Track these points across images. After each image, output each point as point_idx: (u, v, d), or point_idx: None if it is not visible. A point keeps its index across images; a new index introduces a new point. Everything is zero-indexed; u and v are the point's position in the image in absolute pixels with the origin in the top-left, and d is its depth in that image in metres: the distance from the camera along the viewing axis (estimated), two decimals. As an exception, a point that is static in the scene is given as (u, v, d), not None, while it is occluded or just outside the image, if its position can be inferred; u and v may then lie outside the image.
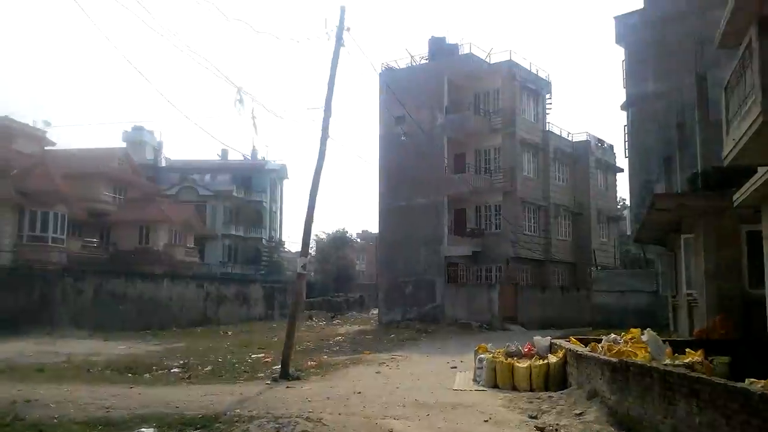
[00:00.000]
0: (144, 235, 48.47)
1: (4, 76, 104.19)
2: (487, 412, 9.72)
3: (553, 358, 12.03)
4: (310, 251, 79.30)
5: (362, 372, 14.92)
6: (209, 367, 16.13)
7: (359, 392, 11.57)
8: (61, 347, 21.70)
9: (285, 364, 13.49)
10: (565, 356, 11.81)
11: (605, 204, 41.77)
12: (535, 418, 9.26)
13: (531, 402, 10.50)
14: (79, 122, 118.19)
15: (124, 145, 60.06)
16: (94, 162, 48.00)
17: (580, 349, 11.47)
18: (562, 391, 11.12)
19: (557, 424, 8.67)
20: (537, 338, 13.64)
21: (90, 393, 11.00)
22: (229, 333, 31.79)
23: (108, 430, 8.22)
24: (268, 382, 13.00)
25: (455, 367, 15.69)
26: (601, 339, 11.87)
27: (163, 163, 67.40)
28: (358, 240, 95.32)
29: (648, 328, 11.06)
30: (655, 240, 20.91)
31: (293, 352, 14.51)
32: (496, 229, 34.58)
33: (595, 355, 10.23)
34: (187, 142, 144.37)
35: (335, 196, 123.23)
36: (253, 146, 68.50)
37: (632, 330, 11.49)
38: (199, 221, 53.92)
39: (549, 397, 10.69)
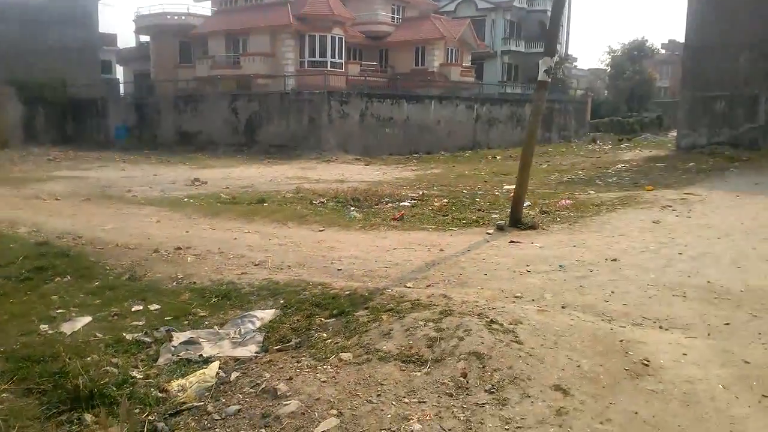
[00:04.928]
0: (419, 55, 47.03)
1: None
2: None
3: None
4: (603, 65, 70.22)
5: (631, 220, 10.65)
6: (443, 201, 13.46)
7: (614, 259, 7.65)
8: (318, 172, 21.34)
9: (515, 209, 9.95)
10: None
11: None
12: None
13: None
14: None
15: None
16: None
17: None
18: None
19: None
20: None
21: (262, 238, 9.06)
22: (497, 158, 28.92)
23: (221, 303, 5.98)
24: (490, 231, 9.71)
25: (785, 218, 10.51)
26: None
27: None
28: (662, 51, 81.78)
29: None
30: None
31: (541, 189, 10.88)
32: None
33: None
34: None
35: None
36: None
37: None
38: (475, 38, 50.21)
39: None
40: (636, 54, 63.55)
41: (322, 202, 13.50)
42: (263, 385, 4.18)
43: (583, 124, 45.83)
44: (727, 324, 5.35)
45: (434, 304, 5.54)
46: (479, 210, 12.28)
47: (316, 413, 3.77)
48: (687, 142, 26.94)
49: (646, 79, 60.67)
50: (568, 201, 12.75)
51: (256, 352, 4.97)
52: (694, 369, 4.46)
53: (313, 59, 41.81)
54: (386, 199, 14.13)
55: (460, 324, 4.96)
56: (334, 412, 3.77)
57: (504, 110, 38.75)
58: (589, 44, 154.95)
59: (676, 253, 7.97)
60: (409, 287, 6.30)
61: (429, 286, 6.40)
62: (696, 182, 16.01)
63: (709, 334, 5.14)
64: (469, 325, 4.92)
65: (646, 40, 66.81)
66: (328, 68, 39.38)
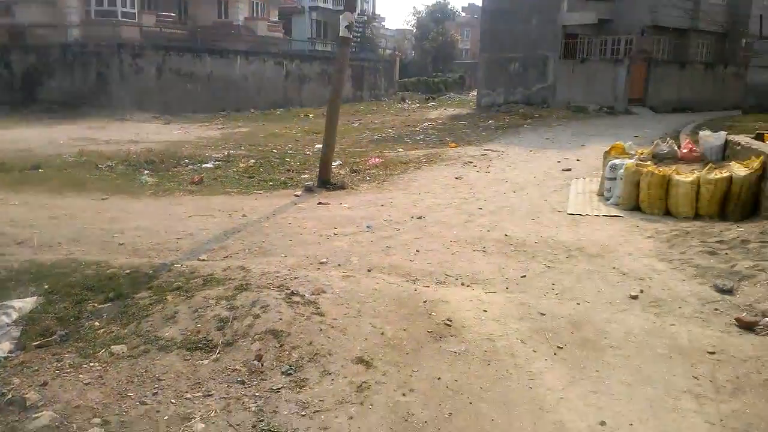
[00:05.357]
0: (223, 7, 44.35)
1: None
2: (632, 271, 5.55)
3: (739, 170, 7.33)
4: (409, 26, 72.45)
5: (436, 177, 10.85)
6: (251, 162, 12.73)
7: (419, 217, 7.63)
8: (108, 133, 19.22)
9: (324, 169, 9.63)
10: (764, 166, 7.11)
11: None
12: (730, 291, 4.98)
13: (706, 245, 6.15)
14: None
15: None
16: None
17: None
18: (753, 223, 6.74)
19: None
20: (705, 134, 8.85)
21: (30, 211, 7.73)
22: (310, 116, 28.42)
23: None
24: (298, 193, 9.28)
25: (569, 170, 11.36)
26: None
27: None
28: (463, 14, 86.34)
29: None
30: None
31: (359, 149, 10.56)
32: (632, -9, 27.26)
33: None
34: None
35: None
36: None
37: None
38: (282, -9, 48.69)
39: (737, 238, 6.25)
40: (439, 16, 66.27)
41: (110, 165, 12.05)
42: (10, 395, 3.37)
43: (393, 83, 46.87)
44: (524, 276, 5.47)
45: (230, 278, 4.98)
46: (288, 171, 11.77)
47: (74, 425, 3.09)
48: (486, 101, 28.66)
49: (449, 41, 63.61)
50: (377, 159, 12.70)
51: (9, 352, 4.09)
52: (494, 325, 4.43)
53: (101, 8, 37.56)
54: (186, 160, 13.05)
55: (257, 299, 4.47)
56: (98, 420, 3.12)
57: (315, 67, 38.22)
58: (396, 4, 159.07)
59: (477, 208, 8.17)
60: (203, 260, 5.66)
61: (226, 257, 5.81)
62: (494, 139, 16.92)
63: (507, 288, 5.19)
64: (267, 300, 4.45)
65: (448, 3, 70.02)
66: (119, 18, 35.69)
